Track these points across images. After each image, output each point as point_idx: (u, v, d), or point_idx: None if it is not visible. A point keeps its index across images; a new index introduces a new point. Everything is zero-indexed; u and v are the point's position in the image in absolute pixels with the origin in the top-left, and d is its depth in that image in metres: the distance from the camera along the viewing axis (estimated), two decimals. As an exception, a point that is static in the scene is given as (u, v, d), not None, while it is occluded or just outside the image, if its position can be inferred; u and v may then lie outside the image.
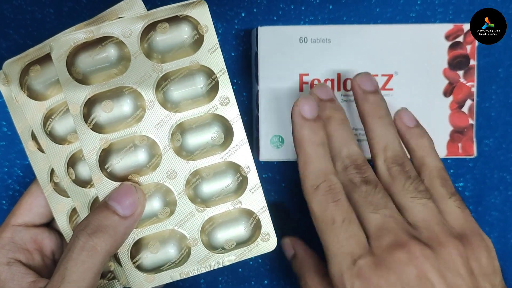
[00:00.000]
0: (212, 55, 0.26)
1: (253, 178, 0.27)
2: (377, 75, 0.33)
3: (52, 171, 0.28)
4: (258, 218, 0.27)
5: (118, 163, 0.26)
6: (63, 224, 0.29)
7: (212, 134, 0.27)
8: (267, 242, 0.27)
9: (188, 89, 0.26)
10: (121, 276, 0.28)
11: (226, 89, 0.26)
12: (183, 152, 0.27)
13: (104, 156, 0.26)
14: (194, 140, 0.27)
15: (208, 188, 0.27)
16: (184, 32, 0.26)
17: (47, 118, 0.27)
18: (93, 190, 0.27)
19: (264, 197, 0.27)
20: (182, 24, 0.26)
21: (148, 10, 0.27)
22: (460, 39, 0.33)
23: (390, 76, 0.33)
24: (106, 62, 0.26)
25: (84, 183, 0.27)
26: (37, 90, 0.27)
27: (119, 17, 0.27)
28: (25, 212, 0.28)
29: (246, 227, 0.27)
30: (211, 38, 0.26)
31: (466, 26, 0.33)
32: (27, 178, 0.35)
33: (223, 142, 0.27)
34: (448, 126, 0.33)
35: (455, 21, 0.36)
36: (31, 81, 0.27)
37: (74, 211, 0.28)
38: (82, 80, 0.26)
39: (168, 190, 0.27)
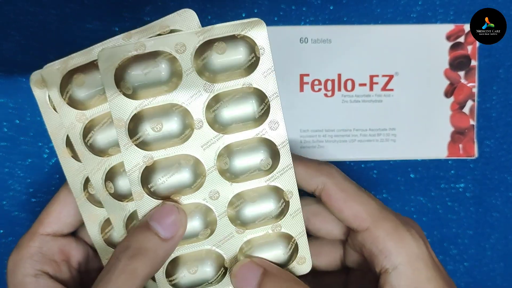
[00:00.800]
0: (266, 78, 0.25)
1: (295, 202, 0.27)
2: (377, 76, 0.33)
3: (87, 181, 0.27)
4: (296, 243, 0.27)
5: (163, 184, 0.26)
6: (94, 234, 0.28)
7: (260, 158, 0.26)
8: (302, 265, 0.27)
9: (240, 112, 0.25)
10: None
11: (276, 113, 0.25)
12: (227, 174, 0.26)
13: (147, 174, 0.26)
14: (241, 163, 0.26)
15: (250, 211, 0.27)
16: (241, 54, 0.25)
17: (88, 129, 0.26)
18: (130, 204, 0.27)
19: (303, 221, 0.27)
20: (239, 45, 0.25)
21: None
22: (461, 39, 0.33)
23: (391, 77, 0.33)
24: (157, 78, 0.25)
25: (121, 197, 0.27)
26: (80, 99, 0.26)
27: (171, 30, 0.26)
28: (54, 221, 0.28)
29: (285, 251, 0.27)
30: (267, 60, 0.25)
31: (467, 27, 0.33)
32: (28, 178, 0.35)
33: (270, 167, 0.26)
34: (449, 127, 0.33)
35: (456, 22, 0.35)
36: (74, 89, 0.25)
37: (106, 222, 0.28)
38: (130, 95, 0.25)
39: (210, 210, 0.26)
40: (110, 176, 0.26)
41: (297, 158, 0.27)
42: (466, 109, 0.33)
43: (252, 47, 0.25)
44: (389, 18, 0.36)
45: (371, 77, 0.33)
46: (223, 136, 0.26)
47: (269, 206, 0.26)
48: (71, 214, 0.28)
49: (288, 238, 0.27)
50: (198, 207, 0.26)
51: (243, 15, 0.35)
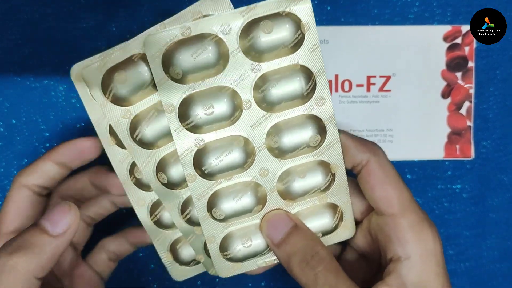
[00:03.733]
0: (312, 55, 0.25)
1: (341, 174, 0.27)
2: (375, 76, 0.33)
3: (132, 166, 0.28)
4: (342, 211, 0.28)
5: (217, 165, 0.26)
6: (144, 217, 0.29)
7: (309, 135, 0.26)
8: (346, 231, 0.28)
9: (288, 91, 0.25)
10: (211, 267, 0.29)
11: (323, 89, 0.25)
12: (276, 151, 0.27)
13: (199, 156, 0.26)
14: (290, 140, 0.26)
15: (299, 186, 0.27)
16: (287, 31, 0.24)
17: (134, 124, 0.26)
18: (183, 191, 0.27)
19: (348, 191, 0.28)
20: (285, 22, 0.24)
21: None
22: (458, 40, 0.33)
23: (388, 78, 0.33)
24: (206, 61, 0.25)
25: (174, 186, 0.27)
26: (123, 97, 0.26)
27: (204, 16, 0.25)
28: (14, 218, 0.28)
29: (331, 220, 0.28)
30: (312, 36, 0.25)
31: (464, 28, 0.33)
32: (24, 178, 0.35)
33: (319, 135, 0.27)
34: (446, 127, 0.33)
35: (453, 23, 0.35)
36: (117, 87, 0.25)
37: (155, 205, 0.29)
38: (179, 79, 0.25)
39: (260, 187, 0.27)
40: (161, 167, 0.27)
41: (345, 132, 0.27)
42: (463, 110, 0.33)
43: (297, 24, 0.24)
44: (387, 19, 0.36)
45: (368, 77, 0.33)
46: (271, 115, 0.26)
47: (317, 179, 0.27)
48: (28, 208, 0.28)
49: (334, 207, 0.28)
50: (249, 185, 0.27)
51: (240, 15, 0.35)
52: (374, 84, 0.33)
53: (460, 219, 0.37)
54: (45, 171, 0.28)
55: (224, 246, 0.28)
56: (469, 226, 0.37)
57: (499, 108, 0.36)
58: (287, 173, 0.27)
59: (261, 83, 0.25)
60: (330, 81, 0.33)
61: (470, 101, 0.33)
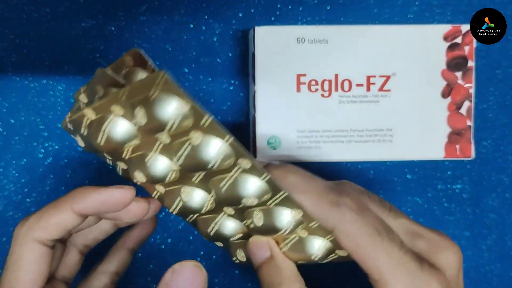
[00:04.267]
0: (210, 128, 0.22)
1: (308, 218, 0.25)
2: (375, 76, 0.33)
3: None
4: (330, 240, 0.26)
5: (181, 207, 0.26)
6: None
7: (243, 197, 0.24)
8: (346, 254, 0.26)
9: (202, 164, 0.23)
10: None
11: (240, 153, 0.23)
12: (226, 205, 0.26)
13: (162, 200, 0.27)
14: (227, 197, 0.25)
15: (262, 230, 0.26)
16: (163, 117, 0.22)
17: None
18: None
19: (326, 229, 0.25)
20: (157, 108, 0.21)
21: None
22: (458, 40, 0.33)
23: (388, 77, 0.33)
24: (117, 140, 0.23)
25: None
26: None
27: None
28: (28, 281, 0.24)
29: (319, 249, 0.26)
30: (197, 112, 0.21)
31: (464, 27, 0.33)
32: (23, 178, 0.35)
33: (260, 199, 0.25)
34: (446, 127, 0.33)
35: (453, 22, 0.35)
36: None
37: None
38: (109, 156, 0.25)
39: (233, 220, 0.27)
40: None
41: (305, 191, 0.25)
42: (463, 110, 0.33)
43: (172, 106, 0.21)
44: (386, 19, 0.36)
45: (368, 77, 0.33)
46: (205, 173, 0.24)
47: (278, 225, 0.25)
48: (43, 267, 0.25)
49: (318, 239, 0.26)
50: (221, 219, 0.27)
51: (240, 15, 0.35)
52: (374, 83, 0.33)
53: (460, 219, 0.37)
54: (64, 223, 0.24)
55: (231, 253, 0.28)
56: (469, 226, 0.37)
57: (499, 107, 0.36)
58: (250, 214, 0.26)
59: (176, 149, 0.23)
60: (330, 81, 0.32)
61: (470, 101, 0.33)
